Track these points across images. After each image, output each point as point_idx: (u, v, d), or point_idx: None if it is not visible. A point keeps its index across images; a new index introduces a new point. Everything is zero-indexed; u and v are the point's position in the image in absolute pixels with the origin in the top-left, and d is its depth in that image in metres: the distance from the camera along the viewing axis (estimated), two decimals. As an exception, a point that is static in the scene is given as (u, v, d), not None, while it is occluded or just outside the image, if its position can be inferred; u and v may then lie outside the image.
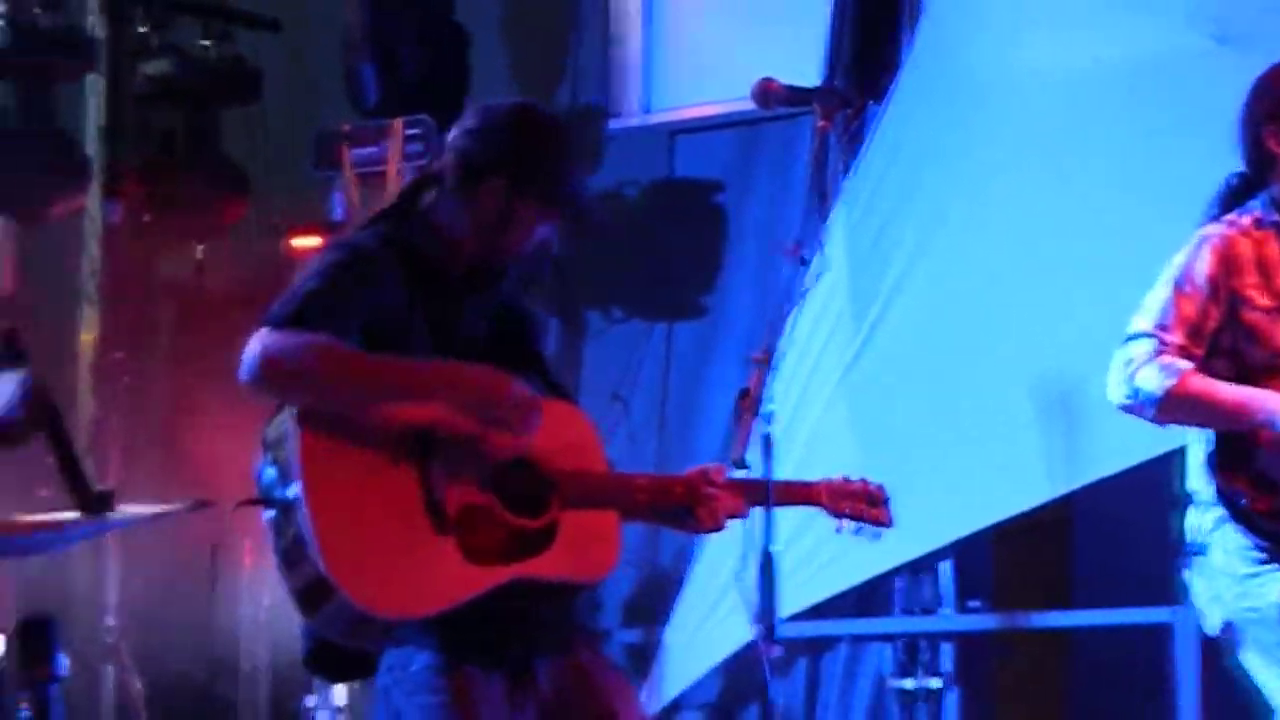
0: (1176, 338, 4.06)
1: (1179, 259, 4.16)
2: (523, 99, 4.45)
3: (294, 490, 3.61)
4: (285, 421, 3.67)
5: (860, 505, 3.98)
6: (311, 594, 3.62)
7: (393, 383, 3.81)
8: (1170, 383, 4.00)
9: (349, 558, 3.61)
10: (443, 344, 3.88)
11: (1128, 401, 4.10)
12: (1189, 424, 4.19)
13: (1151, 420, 4.12)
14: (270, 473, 3.70)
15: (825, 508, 3.96)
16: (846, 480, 3.99)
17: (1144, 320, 4.10)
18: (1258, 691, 4.15)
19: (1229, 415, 4.10)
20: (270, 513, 3.68)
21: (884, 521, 4.00)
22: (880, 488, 4.02)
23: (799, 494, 3.98)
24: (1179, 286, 4.12)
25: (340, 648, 3.80)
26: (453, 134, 3.95)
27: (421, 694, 3.73)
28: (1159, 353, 4.03)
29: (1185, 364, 4.02)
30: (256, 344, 3.60)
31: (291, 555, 3.63)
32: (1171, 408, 4.06)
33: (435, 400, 3.76)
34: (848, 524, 3.94)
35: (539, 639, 3.89)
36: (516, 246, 3.90)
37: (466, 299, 3.96)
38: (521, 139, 3.95)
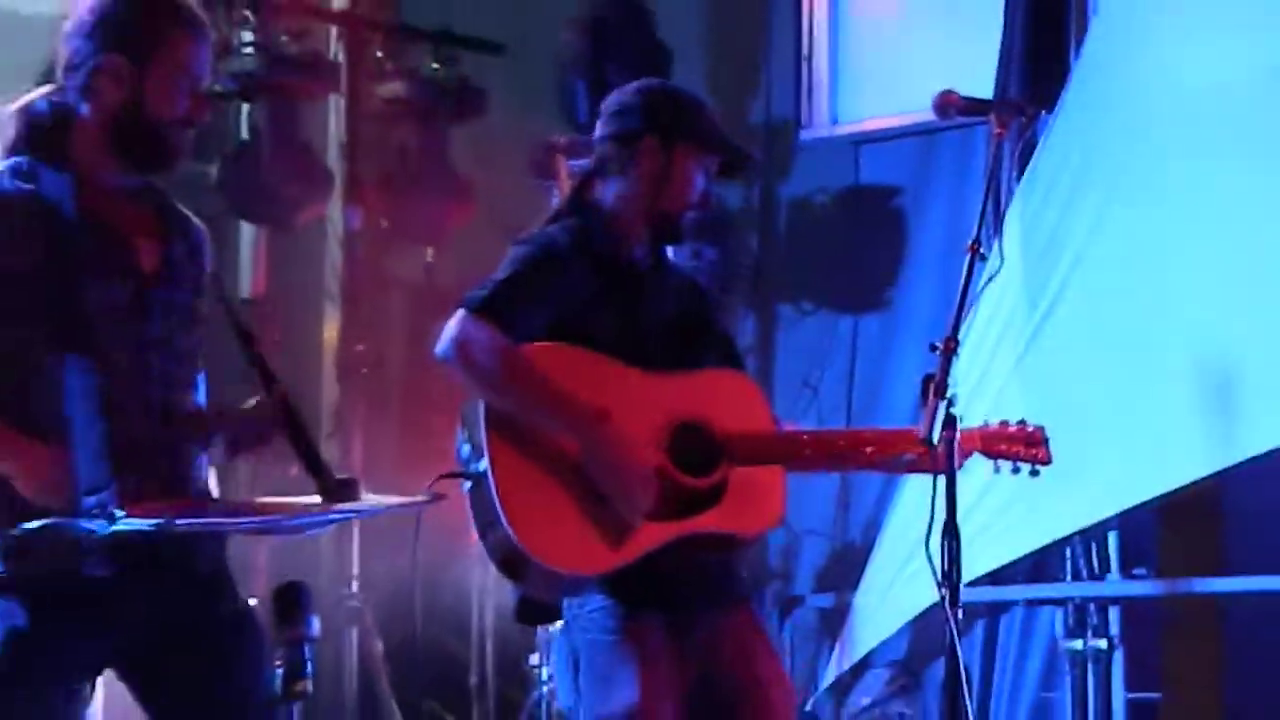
0: None
1: None
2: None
3: (483, 464, 3.88)
4: (478, 401, 4.01)
5: (1017, 447, 4.09)
6: (509, 561, 3.93)
7: (551, 414, 4.04)
8: None
9: (533, 524, 3.86)
10: (628, 325, 4.14)
11: None
12: None
13: None
14: (466, 448, 3.98)
15: (981, 451, 4.10)
16: (1004, 424, 4.13)
17: None
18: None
19: None
20: (468, 484, 3.94)
21: (1043, 459, 4.12)
22: (1039, 429, 4.13)
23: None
24: None
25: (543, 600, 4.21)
26: (596, 130, 4.26)
27: (594, 631, 4.02)
28: None
29: None
30: (455, 327, 3.92)
31: (485, 524, 3.92)
32: None
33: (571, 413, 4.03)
34: (1005, 464, 4.09)
35: (702, 589, 4.13)
36: (684, 199, 4.16)
37: (647, 280, 4.23)
38: (654, 98, 4.23)
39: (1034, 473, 4.13)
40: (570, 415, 4.01)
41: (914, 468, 4.27)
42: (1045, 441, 4.13)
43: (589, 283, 4.13)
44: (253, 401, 3.42)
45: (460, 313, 3.94)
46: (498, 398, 3.99)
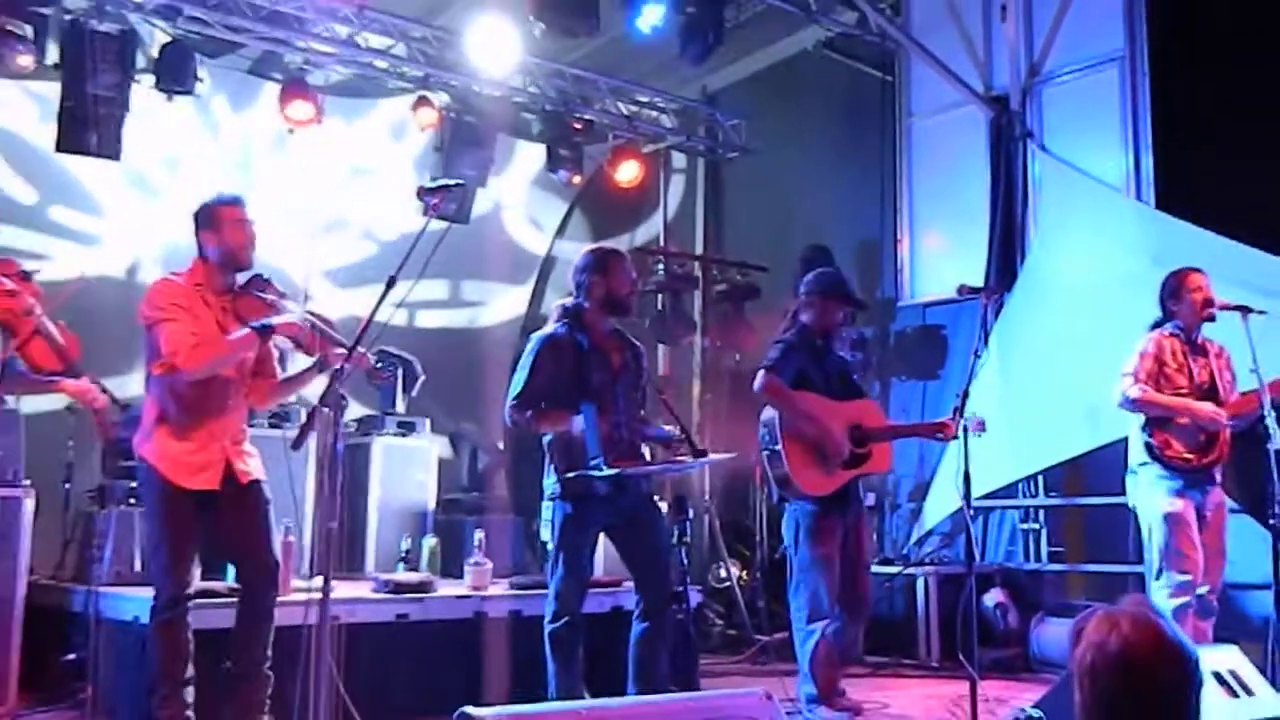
0: (1142, 377, 4.50)
1: (1139, 346, 4.60)
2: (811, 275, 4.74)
3: (778, 445, 4.39)
4: (772, 412, 4.42)
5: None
6: (784, 483, 4.43)
7: (802, 414, 4.39)
8: (1143, 394, 4.47)
9: (797, 469, 4.37)
10: (822, 378, 4.50)
11: (1125, 402, 4.52)
12: (1149, 413, 4.50)
13: (1132, 411, 4.53)
14: (765, 435, 4.43)
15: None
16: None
17: (1128, 369, 4.54)
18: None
19: (1169, 410, 4.49)
20: (766, 453, 4.43)
21: (981, 430, 4.27)
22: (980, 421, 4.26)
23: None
24: (1141, 356, 4.55)
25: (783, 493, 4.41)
26: (800, 296, 4.58)
27: (806, 519, 4.42)
28: (1135, 382, 4.49)
29: (1147, 387, 4.47)
30: (761, 376, 4.41)
31: (775, 467, 4.43)
32: (1142, 405, 4.48)
33: (817, 424, 4.37)
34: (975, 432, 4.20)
35: (852, 502, 4.52)
36: (836, 324, 4.63)
37: (827, 358, 4.61)
38: (813, 281, 4.64)
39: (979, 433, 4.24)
40: (813, 419, 4.39)
41: (938, 439, 4.63)
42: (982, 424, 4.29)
43: (805, 359, 4.52)
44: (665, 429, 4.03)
45: (762, 371, 4.46)
46: (782, 408, 4.40)
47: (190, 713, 3.66)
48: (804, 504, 4.40)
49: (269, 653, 3.69)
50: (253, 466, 3.73)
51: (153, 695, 3.66)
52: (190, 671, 3.66)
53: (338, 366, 3.17)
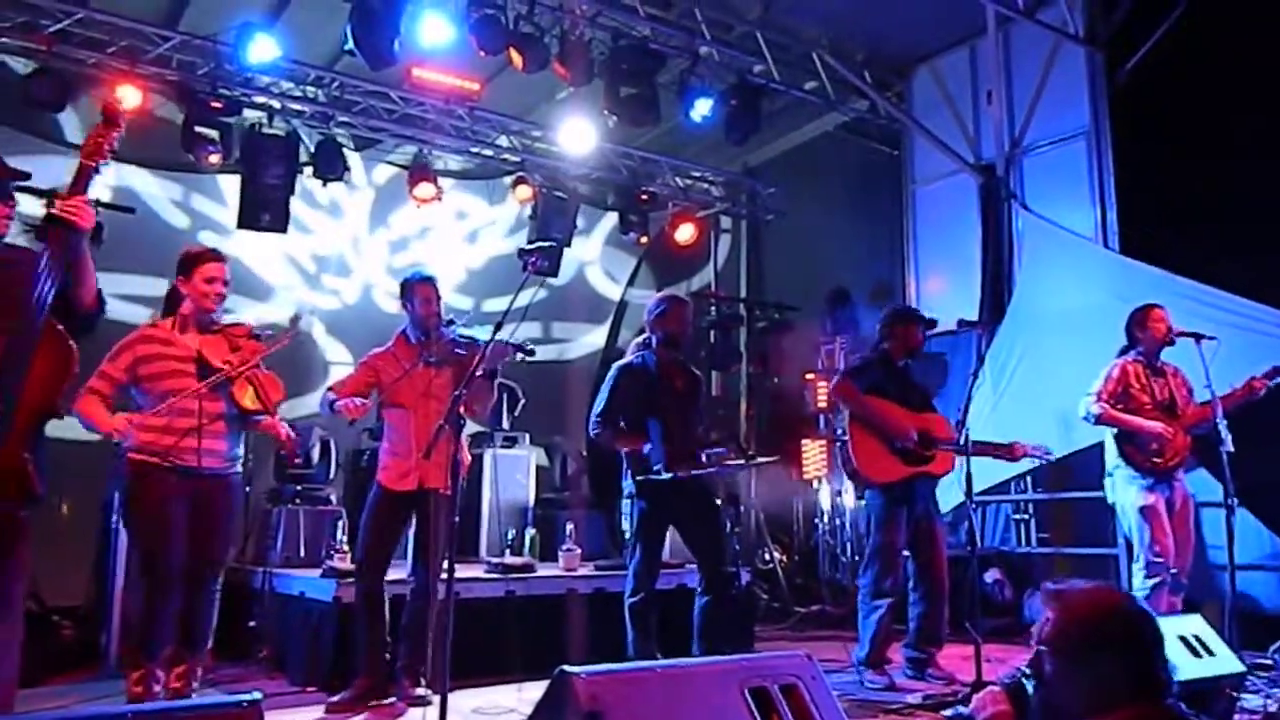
0: (1105, 396, 4.37)
1: (1106, 370, 4.46)
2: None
3: (846, 434, 4.25)
4: (843, 411, 4.28)
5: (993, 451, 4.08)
6: (853, 475, 4.33)
7: (869, 411, 4.19)
8: (1103, 411, 4.36)
9: (863, 460, 4.17)
10: (896, 390, 4.28)
11: (1087, 416, 4.41)
12: (1110, 427, 4.40)
13: (1094, 424, 4.44)
14: (839, 429, 4.51)
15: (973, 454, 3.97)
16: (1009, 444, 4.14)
17: (1094, 389, 4.42)
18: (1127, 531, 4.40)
19: (1125, 425, 4.36)
20: (839, 444, 4.39)
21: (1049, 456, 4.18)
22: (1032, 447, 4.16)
23: (991, 450, 4.18)
24: (1106, 379, 4.42)
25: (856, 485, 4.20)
26: (879, 325, 4.36)
27: (876, 508, 4.23)
28: (1098, 400, 4.37)
29: (1107, 405, 4.35)
30: (836, 380, 4.29)
31: (845, 460, 4.26)
32: (1102, 420, 4.37)
33: (883, 419, 4.16)
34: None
35: (917, 495, 4.28)
36: (918, 344, 4.40)
37: (907, 377, 4.39)
38: (889, 314, 4.47)
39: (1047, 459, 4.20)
40: (888, 416, 4.22)
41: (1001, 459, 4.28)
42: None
43: (882, 375, 4.31)
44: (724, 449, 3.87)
45: (838, 377, 4.37)
46: (854, 409, 4.22)
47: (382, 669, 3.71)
48: (875, 495, 4.22)
49: (429, 632, 3.71)
50: (438, 478, 3.56)
51: (360, 652, 3.72)
52: (386, 634, 3.72)
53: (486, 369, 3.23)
